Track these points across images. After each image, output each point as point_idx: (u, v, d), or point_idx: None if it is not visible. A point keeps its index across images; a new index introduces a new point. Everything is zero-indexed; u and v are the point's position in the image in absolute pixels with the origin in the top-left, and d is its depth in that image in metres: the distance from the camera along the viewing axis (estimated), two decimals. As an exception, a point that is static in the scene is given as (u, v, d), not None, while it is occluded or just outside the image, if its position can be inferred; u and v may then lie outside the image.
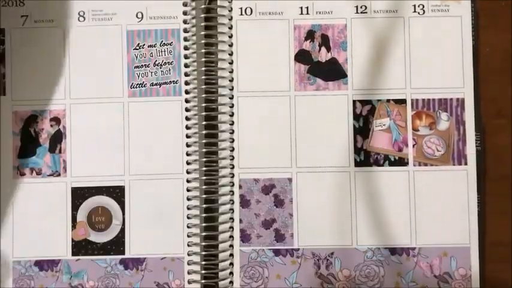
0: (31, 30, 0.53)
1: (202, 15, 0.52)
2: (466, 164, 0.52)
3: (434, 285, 0.51)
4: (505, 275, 0.51)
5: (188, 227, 0.52)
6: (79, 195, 0.52)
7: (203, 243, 0.51)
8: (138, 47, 0.53)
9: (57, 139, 0.53)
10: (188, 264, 0.52)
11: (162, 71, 0.53)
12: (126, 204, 0.52)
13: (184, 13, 0.53)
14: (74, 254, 0.52)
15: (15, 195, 0.52)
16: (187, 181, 0.52)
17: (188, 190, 0.52)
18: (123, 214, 0.52)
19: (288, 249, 0.52)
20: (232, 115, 0.52)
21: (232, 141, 0.52)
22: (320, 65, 0.53)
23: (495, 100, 0.52)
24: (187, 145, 0.52)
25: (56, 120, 0.53)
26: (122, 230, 0.52)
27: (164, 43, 0.53)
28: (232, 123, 0.52)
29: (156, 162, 0.52)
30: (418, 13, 0.52)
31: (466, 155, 0.52)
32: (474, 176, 0.51)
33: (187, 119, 0.52)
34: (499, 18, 0.52)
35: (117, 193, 0.52)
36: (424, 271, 0.51)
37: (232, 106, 0.52)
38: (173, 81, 0.53)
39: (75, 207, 0.52)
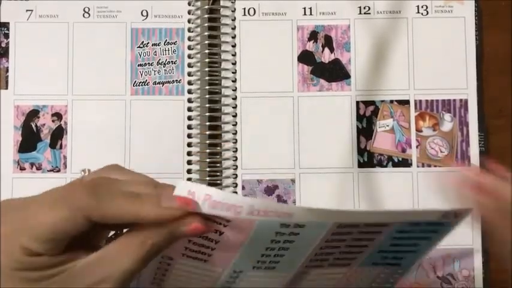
0: (36, 25, 0.53)
1: (206, 16, 0.52)
2: (469, 165, 0.51)
3: (437, 286, 0.50)
4: (507, 275, 0.50)
5: (188, 227, 0.51)
6: (79, 192, 0.52)
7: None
8: (142, 45, 0.53)
9: (58, 135, 0.52)
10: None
11: (165, 70, 0.53)
12: (126, 202, 0.51)
13: (189, 12, 0.53)
14: (72, 250, 0.51)
15: (15, 190, 0.52)
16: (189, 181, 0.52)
17: (190, 191, 0.51)
18: (123, 212, 0.51)
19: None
20: (235, 116, 0.52)
21: (235, 142, 0.52)
22: (323, 66, 0.53)
23: (495, 100, 0.52)
24: (189, 145, 0.52)
25: (58, 115, 0.52)
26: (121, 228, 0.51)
27: (168, 42, 0.53)
28: (235, 124, 0.52)
29: (157, 161, 0.52)
30: (422, 14, 0.53)
31: (469, 156, 0.51)
32: (478, 176, 0.51)
33: (189, 118, 0.52)
34: (499, 18, 0.53)
35: (117, 191, 0.51)
36: (427, 272, 0.51)
37: (235, 107, 0.52)
38: (176, 80, 0.53)
39: (74, 204, 0.51)
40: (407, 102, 0.52)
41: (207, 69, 0.52)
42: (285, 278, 0.39)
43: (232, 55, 0.53)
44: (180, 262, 0.38)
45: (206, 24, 0.53)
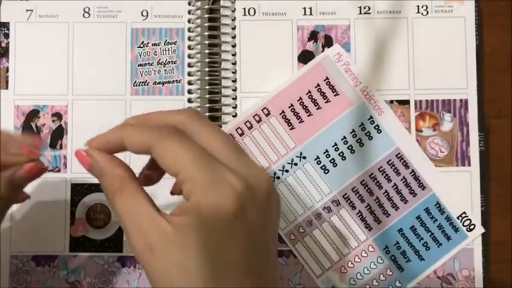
0: (36, 25, 0.53)
1: (206, 16, 0.52)
2: (469, 165, 0.51)
3: (438, 286, 0.50)
4: (507, 275, 0.50)
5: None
6: (78, 191, 0.52)
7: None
8: (142, 45, 0.53)
9: (58, 135, 0.52)
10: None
11: (165, 70, 0.53)
12: (126, 202, 0.52)
13: (189, 12, 0.53)
14: (71, 250, 0.51)
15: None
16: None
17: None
18: (123, 212, 0.51)
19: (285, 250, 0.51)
20: (235, 116, 0.52)
21: (235, 141, 0.52)
22: (323, 66, 0.53)
23: (495, 100, 0.52)
24: (189, 145, 0.52)
25: (58, 115, 0.52)
26: (121, 228, 0.51)
27: (168, 42, 0.53)
28: (235, 124, 0.52)
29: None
30: (422, 14, 0.53)
31: (469, 156, 0.51)
32: (478, 176, 0.51)
33: (189, 118, 0.52)
34: (499, 18, 0.53)
35: (117, 191, 0.52)
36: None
37: (235, 107, 0.52)
38: (176, 80, 0.53)
39: (74, 204, 0.52)
40: (407, 102, 0.52)
41: (207, 69, 0.52)
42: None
43: (232, 55, 0.53)
44: None
45: (206, 24, 0.53)
